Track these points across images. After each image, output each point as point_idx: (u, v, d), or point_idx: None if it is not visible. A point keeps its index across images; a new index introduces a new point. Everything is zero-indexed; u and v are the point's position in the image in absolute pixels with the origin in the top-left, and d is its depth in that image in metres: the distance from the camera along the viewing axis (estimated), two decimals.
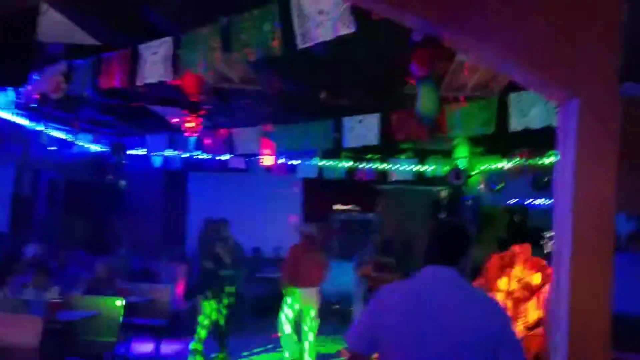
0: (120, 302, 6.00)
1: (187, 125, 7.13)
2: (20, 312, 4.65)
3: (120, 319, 5.96)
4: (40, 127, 8.52)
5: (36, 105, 6.13)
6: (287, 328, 7.01)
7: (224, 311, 6.95)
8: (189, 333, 8.16)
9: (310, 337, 6.92)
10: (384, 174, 10.49)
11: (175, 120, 7.52)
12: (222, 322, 6.97)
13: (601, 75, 2.80)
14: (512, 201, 10.94)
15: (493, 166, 9.28)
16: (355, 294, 8.03)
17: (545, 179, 8.36)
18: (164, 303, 7.23)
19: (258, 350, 7.82)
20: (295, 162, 10.75)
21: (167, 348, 7.37)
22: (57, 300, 5.14)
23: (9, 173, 9.97)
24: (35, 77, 5.55)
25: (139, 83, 4.77)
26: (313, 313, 6.96)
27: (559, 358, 2.69)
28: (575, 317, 2.70)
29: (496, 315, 2.23)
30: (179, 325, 8.09)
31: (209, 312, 6.84)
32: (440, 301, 2.21)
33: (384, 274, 7.51)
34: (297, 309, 7.01)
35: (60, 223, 10.70)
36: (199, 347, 6.89)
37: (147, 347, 7.29)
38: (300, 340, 7.04)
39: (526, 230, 9.59)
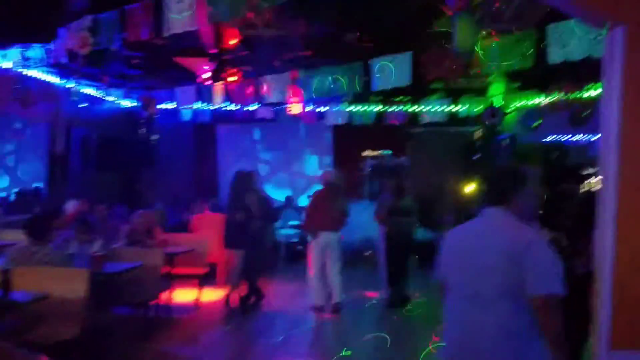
0: (160, 253, 6.15)
1: (230, 78, 7.21)
2: (66, 265, 4.79)
3: (161, 269, 6.13)
4: (70, 84, 8.58)
5: (65, 62, 6.14)
6: (313, 272, 7.20)
7: (257, 259, 7.09)
8: (225, 281, 8.42)
9: (335, 278, 7.11)
10: (414, 116, 10.32)
11: (205, 74, 7.47)
12: (255, 269, 7.12)
13: None
14: (549, 138, 10.68)
15: (530, 102, 9.00)
16: (377, 240, 8.05)
17: (584, 114, 8.08)
18: (201, 253, 7.38)
19: (291, 295, 8.01)
20: (323, 108, 10.64)
21: (206, 296, 7.59)
22: (101, 253, 5.28)
23: (42, 131, 10.15)
24: (62, 33, 5.55)
25: (165, 34, 4.71)
26: (335, 256, 7.13)
27: (604, 296, 2.64)
28: (621, 256, 2.64)
29: (523, 241, 2.39)
30: (216, 273, 8.34)
31: (241, 260, 6.99)
32: (479, 234, 2.55)
33: (398, 218, 7.47)
34: (321, 253, 7.15)
35: (94, 179, 10.92)
36: (236, 294, 7.08)
37: (187, 296, 7.52)
38: (326, 283, 7.19)
39: (564, 168, 9.36)
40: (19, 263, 4.53)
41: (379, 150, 13.01)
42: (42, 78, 8.23)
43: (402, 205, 7.52)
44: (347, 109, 10.49)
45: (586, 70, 5.61)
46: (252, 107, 10.52)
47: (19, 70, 6.97)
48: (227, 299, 7.15)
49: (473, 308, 2.46)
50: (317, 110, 10.67)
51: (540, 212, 3.82)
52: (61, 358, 4.18)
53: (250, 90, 8.53)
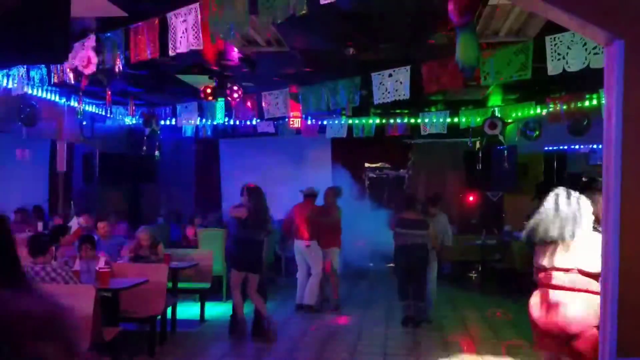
0: (164, 268, 6.17)
1: (234, 95, 7.39)
2: (72, 282, 4.81)
3: (167, 284, 6.15)
4: (73, 103, 8.64)
5: (69, 81, 6.20)
6: (300, 276, 7.97)
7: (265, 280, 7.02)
8: (229, 295, 8.41)
9: (313, 281, 7.84)
10: (414, 128, 10.36)
11: (207, 89, 7.55)
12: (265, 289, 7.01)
13: None
14: (549, 148, 10.73)
15: (529, 113, 9.06)
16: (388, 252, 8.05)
17: (584, 123, 8.14)
18: (206, 267, 7.39)
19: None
20: (324, 122, 10.71)
21: (211, 309, 7.61)
22: (106, 270, 5.30)
23: (44, 149, 10.18)
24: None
25: (171, 53, 4.74)
26: (318, 261, 7.88)
27: (609, 303, 2.67)
28: (625, 263, 2.68)
29: None
30: (220, 287, 8.34)
31: (257, 283, 6.53)
32: None
33: (408, 230, 7.23)
34: (303, 259, 7.93)
35: (97, 196, 10.95)
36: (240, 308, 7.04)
37: (192, 310, 7.54)
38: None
39: (564, 176, 9.40)
40: None
41: (379, 162, 13.08)
42: (46, 97, 8.31)
43: (411, 217, 7.25)
44: (347, 122, 10.55)
45: (584, 80, 5.67)
46: (254, 122, 10.61)
47: (23, 89, 7.02)
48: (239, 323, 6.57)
49: None
50: (318, 123, 10.74)
51: None
52: None
53: (251, 105, 8.61)
